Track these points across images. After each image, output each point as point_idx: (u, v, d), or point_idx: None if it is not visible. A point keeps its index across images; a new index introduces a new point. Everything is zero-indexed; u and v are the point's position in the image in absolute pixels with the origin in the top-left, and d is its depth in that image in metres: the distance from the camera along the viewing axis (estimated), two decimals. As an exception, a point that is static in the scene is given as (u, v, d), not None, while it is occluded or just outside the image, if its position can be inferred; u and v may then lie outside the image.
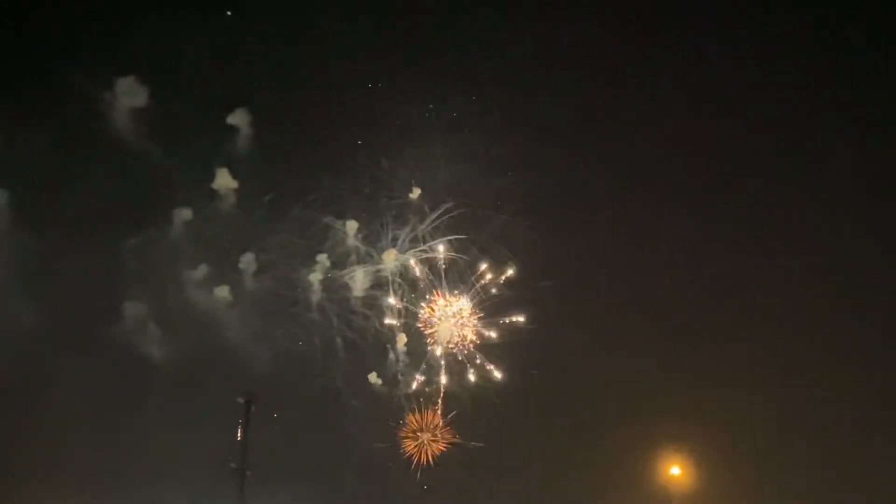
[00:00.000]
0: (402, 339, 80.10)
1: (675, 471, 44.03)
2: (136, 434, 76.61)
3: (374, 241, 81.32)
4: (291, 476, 73.60)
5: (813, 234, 77.26)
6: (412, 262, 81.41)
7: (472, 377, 79.69)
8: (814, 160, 79.54)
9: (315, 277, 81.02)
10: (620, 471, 67.50)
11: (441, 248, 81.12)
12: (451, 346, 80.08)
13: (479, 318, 79.93)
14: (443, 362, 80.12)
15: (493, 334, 79.90)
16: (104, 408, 76.77)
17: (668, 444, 53.88)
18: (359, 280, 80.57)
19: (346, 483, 77.01)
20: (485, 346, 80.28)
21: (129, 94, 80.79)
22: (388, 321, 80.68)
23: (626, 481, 66.88)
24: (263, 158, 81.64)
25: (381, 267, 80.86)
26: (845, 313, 74.30)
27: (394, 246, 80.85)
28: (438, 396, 79.67)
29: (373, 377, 79.79)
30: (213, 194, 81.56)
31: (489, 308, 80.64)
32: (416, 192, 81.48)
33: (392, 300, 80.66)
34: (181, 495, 73.80)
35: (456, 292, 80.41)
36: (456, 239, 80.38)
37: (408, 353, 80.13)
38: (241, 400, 47.62)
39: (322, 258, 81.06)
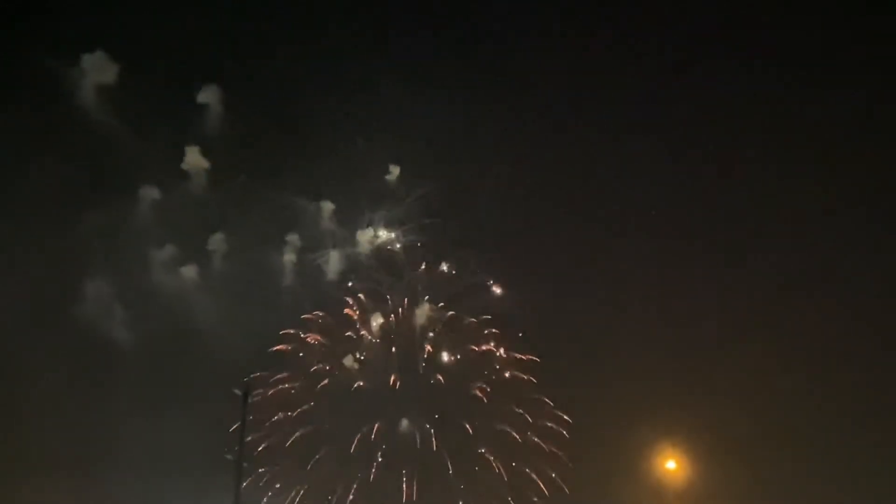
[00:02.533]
0: (377, 319, 79.16)
1: (671, 465, 44.48)
2: (104, 420, 74.28)
3: (349, 222, 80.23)
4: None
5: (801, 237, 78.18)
6: (388, 244, 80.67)
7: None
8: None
9: (288, 259, 79.58)
10: (617, 464, 67.93)
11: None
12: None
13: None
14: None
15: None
16: (68, 393, 74.14)
17: (664, 438, 54.50)
18: (333, 263, 79.43)
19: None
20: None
21: (97, 70, 78.15)
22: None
23: (622, 475, 67.29)
24: (235, 137, 79.90)
25: (356, 250, 79.81)
26: (834, 313, 75.62)
27: (370, 227, 79.85)
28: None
29: (349, 360, 78.76)
30: (183, 174, 79.50)
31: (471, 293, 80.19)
32: (393, 173, 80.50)
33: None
34: (152, 483, 71.90)
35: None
36: (434, 221, 79.70)
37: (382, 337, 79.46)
38: (237, 391, 46.53)
39: (294, 239, 79.69)
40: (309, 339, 78.11)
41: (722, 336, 76.32)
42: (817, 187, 76.26)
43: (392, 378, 77.08)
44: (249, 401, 47.59)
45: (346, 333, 78.68)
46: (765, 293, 78.09)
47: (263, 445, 73.17)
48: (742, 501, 67.67)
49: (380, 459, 75.54)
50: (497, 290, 78.99)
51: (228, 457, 50.60)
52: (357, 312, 79.25)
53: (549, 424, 77.32)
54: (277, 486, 73.66)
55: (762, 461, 69.86)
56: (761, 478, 69.14)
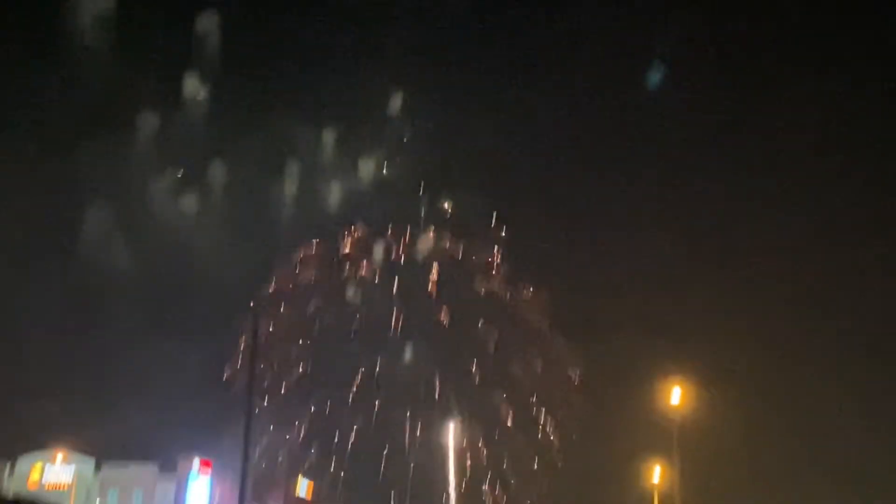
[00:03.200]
0: (378, 250, 76.74)
1: (677, 392, 42.26)
2: (104, 347, 73.59)
3: (350, 151, 77.82)
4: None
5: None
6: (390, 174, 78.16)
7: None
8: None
9: (288, 188, 77.51)
10: (625, 401, 66.36)
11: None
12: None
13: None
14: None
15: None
16: (71, 324, 73.56)
17: (671, 372, 52.47)
18: (334, 192, 77.17)
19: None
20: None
21: (95, -3, 76.64)
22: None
23: (630, 414, 65.60)
24: (235, 65, 77.89)
25: (358, 179, 77.33)
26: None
27: (372, 156, 77.30)
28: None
29: (350, 292, 76.53)
30: (182, 101, 77.82)
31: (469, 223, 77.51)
32: (397, 101, 77.57)
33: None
34: (157, 405, 70.74)
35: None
36: (437, 150, 76.82)
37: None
38: (249, 314, 44.89)
39: (294, 167, 77.59)
40: (309, 272, 76.15)
41: (729, 263, 73.15)
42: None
43: (394, 311, 74.95)
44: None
45: (347, 265, 76.59)
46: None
47: (265, 383, 71.29)
48: (745, 432, 64.78)
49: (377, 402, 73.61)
50: (501, 222, 76.07)
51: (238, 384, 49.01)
52: (358, 243, 77.08)
53: (557, 361, 74.49)
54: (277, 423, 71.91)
55: (765, 395, 67.41)
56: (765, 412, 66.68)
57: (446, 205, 76.99)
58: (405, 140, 76.58)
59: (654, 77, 73.95)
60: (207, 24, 76.75)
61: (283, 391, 72.77)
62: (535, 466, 72.83)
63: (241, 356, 65.83)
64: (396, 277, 75.38)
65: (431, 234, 75.37)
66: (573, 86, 78.04)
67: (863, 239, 72.25)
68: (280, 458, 67.96)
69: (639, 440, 60.99)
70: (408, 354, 73.57)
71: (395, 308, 74.76)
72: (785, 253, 73.56)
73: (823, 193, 73.57)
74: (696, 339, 67.62)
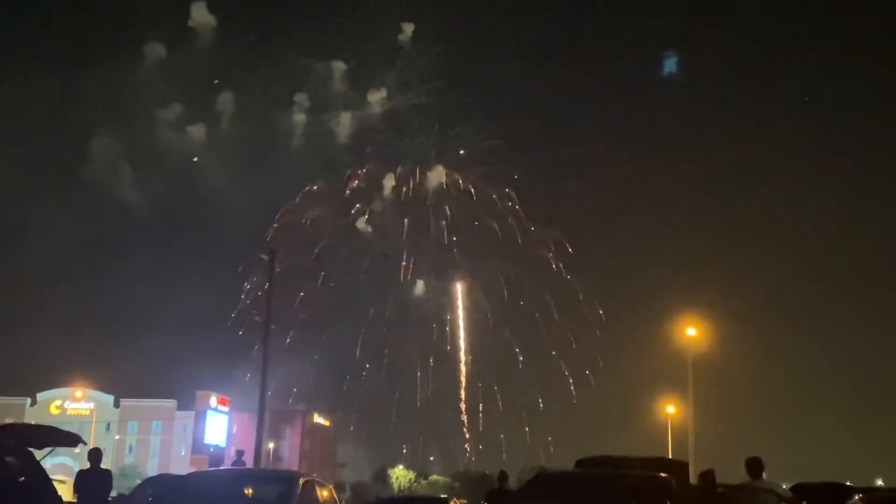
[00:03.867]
0: (390, 179, 75.48)
1: (691, 332, 41.65)
2: (116, 280, 73.39)
3: (360, 83, 76.18)
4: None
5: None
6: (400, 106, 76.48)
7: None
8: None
9: (298, 120, 76.15)
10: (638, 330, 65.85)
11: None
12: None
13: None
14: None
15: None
16: (82, 256, 73.19)
17: (686, 304, 52.02)
18: (343, 125, 75.74)
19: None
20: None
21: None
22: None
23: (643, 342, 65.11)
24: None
25: (367, 112, 75.73)
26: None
27: (382, 88, 75.61)
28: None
29: (361, 223, 75.69)
30: (190, 31, 76.18)
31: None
32: (407, 32, 75.65)
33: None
34: (171, 343, 70.74)
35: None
36: (448, 83, 74.81)
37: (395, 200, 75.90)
38: (264, 256, 44.09)
39: (303, 99, 76.08)
40: (317, 210, 75.17)
41: (746, 201, 71.78)
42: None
43: (404, 249, 74.04)
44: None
45: (357, 199, 75.52)
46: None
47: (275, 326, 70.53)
48: (756, 365, 64.51)
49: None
50: (515, 156, 74.61)
51: (257, 318, 48.81)
52: (368, 176, 75.93)
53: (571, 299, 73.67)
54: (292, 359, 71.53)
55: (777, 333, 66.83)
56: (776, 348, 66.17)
57: (458, 131, 75.28)
58: (416, 69, 74.73)
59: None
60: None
61: (296, 328, 72.02)
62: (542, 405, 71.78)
63: (244, 296, 65.30)
64: (406, 218, 74.26)
65: (442, 169, 74.02)
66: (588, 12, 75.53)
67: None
68: (295, 391, 67.92)
69: (653, 374, 60.76)
70: (419, 291, 72.97)
71: (405, 245, 73.75)
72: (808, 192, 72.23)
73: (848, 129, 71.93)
74: (712, 276, 66.95)
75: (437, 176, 74.66)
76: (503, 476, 16.01)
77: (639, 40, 75.82)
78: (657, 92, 75.58)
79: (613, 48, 76.17)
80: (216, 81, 75.12)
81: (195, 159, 74.30)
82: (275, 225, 70.69)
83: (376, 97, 75.70)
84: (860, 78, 74.58)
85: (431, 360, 73.82)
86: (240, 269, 65.68)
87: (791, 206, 73.42)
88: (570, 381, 74.14)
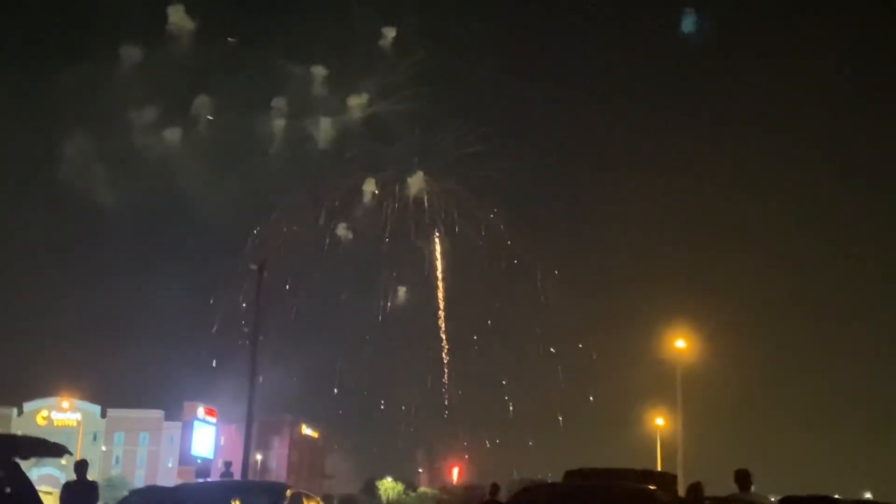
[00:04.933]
0: (370, 185, 74.62)
1: (680, 343, 41.61)
2: (91, 283, 72.79)
3: (340, 88, 75.71)
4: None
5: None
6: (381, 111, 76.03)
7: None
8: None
9: (276, 125, 75.38)
10: (628, 342, 65.60)
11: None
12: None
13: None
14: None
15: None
16: (55, 257, 72.54)
17: (675, 316, 51.98)
18: (323, 130, 75.00)
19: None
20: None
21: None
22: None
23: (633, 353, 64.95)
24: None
25: (348, 117, 75.08)
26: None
27: (362, 93, 74.96)
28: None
29: (341, 230, 74.92)
30: (168, 34, 75.75)
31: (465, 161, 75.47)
32: (388, 37, 74.96)
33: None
34: (157, 352, 70.37)
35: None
36: (429, 89, 74.35)
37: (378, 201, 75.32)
38: (253, 266, 43.57)
39: (281, 104, 75.43)
40: (299, 218, 74.68)
41: (731, 204, 72.03)
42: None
43: (385, 249, 73.49)
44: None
45: (337, 203, 75.03)
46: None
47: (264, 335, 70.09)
48: (746, 378, 64.66)
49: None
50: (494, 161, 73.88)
51: (245, 329, 48.09)
52: (348, 183, 75.46)
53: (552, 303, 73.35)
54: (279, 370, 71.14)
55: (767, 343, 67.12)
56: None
57: (439, 136, 74.77)
58: (397, 74, 74.46)
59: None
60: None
61: (284, 338, 71.48)
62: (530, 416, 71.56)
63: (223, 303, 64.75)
64: (388, 224, 73.89)
65: (423, 175, 73.63)
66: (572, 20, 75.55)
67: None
68: (283, 402, 67.54)
69: (643, 386, 60.77)
70: (401, 299, 72.68)
71: (386, 253, 73.44)
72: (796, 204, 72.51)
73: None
74: (701, 288, 67.06)
75: (419, 182, 74.19)
76: (495, 488, 15.99)
77: (625, 51, 75.57)
78: (646, 100, 75.12)
79: (600, 54, 75.67)
80: (194, 85, 74.48)
81: (173, 163, 73.69)
82: (255, 241, 70.37)
83: (357, 102, 74.92)
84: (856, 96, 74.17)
85: (419, 370, 73.23)
86: (221, 279, 65.02)
87: (781, 218, 73.09)
88: (559, 395, 73.67)
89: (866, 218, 72.03)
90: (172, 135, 72.17)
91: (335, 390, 68.06)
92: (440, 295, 72.19)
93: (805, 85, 72.31)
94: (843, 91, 72.87)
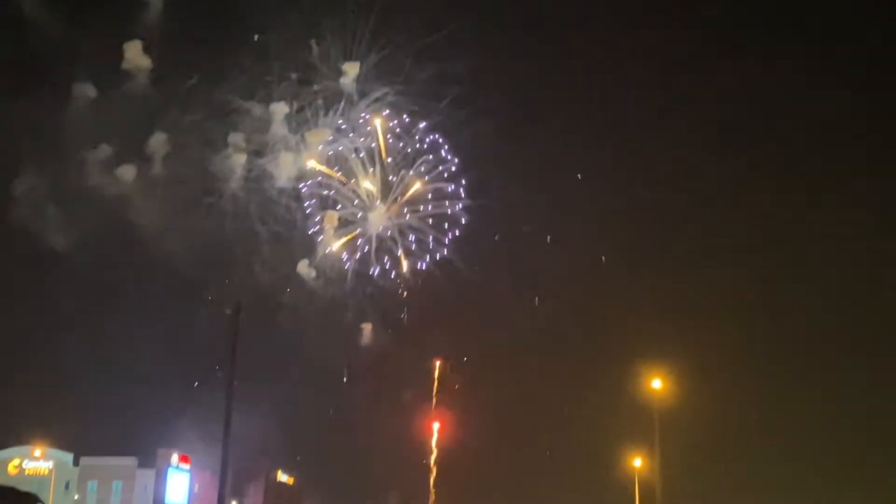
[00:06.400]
0: (331, 218, 74.62)
1: (657, 384, 42.04)
2: (41, 326, 71.62)
3: (299, 125, 76.03)
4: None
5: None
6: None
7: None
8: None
9: (235, 162, 75.40)
10: (605, 383, 65.36)
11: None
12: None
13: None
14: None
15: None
16: (20, 305, 71.40)
17: (651, 357, 52.07)
18: (283, 166, 75.24)
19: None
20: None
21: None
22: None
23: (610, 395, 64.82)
24: (179, 36, 75.37)
25: (308, 154, 75.46)
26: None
27: (322, 129, 75.17)
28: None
29: (303, 267, 75.04)
30: (123, 72, 75.70)
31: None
32: (349, 74, 75.32)
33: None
34: (130, 397, 69.33)
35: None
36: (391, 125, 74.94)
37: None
38: (228, 311, 43.43)
39: (239, 140, 75.63)
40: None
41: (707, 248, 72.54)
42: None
43: (349, 287, 73.67)
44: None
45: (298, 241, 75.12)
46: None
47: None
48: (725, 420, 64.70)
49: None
50: (460, 200, 74.33)
51: (220, 375, 47.86)
52: (309, 218, 75.72)
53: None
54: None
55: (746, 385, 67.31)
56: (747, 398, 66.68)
57: (402, 172, 75.21)
58: (358, 111, 75.03)
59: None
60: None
61: (256, 382, 70.99)
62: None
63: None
64: (350, 261, 74.22)
65: (385, 212, 74.05)
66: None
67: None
68: (258, 448, 67.06)
69: (620, 427, 60.79)
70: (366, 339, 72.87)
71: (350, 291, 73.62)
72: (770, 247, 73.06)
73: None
74: (678, 329, 66.91)
75: (380, 218, 74.54)
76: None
77: (607, 89, 76.23)
78: (630, 136, 75.51)
79: (579, 91, 76.49)
80: (150, 123, 74.31)
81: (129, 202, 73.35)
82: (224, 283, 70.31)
83: (315, 137, 75.59)
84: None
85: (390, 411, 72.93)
86: (189, 321, 64.73)
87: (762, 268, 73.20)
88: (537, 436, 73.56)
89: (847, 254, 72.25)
90: (127, 173, 71.74)
91: (310, 431, 68.07)
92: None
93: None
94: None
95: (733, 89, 73.56)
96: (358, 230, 72.37)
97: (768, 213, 72.98)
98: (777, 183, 73.73)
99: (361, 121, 72.39)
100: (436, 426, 73.82)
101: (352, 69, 71.37)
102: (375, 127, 72.35)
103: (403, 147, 72.61)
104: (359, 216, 72.63)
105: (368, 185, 72.73)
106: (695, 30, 75.81)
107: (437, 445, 73.22)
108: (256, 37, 70.72)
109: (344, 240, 72.75)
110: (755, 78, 72.73)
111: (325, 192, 72.21)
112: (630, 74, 75.47)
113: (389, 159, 72.47)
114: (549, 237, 74.55)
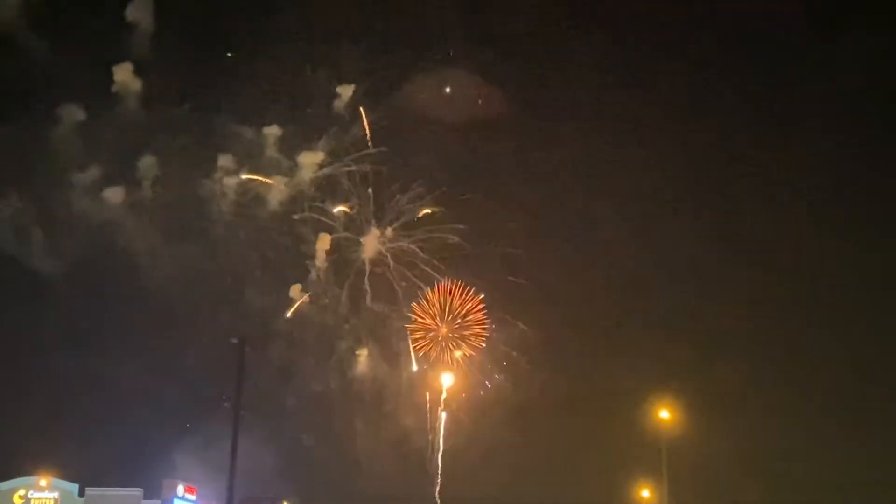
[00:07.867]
0: (324, 241, 75.23)
1: (664, 414, 44.97)
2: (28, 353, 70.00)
3: (291, 148, 76.23)
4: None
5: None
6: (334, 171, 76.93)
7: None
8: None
9: (226, 186, 75.24)
10: (613, 416, 65.72)
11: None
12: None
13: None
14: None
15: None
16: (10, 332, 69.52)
17: (659, 388, 54.06)
18: (275, 190, 75.46)
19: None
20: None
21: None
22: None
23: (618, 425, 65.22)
24: (170, 58, 74.54)
25: (300, 177, 75.68)
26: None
27: (315, 152, 75.57)
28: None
29: (294, 292, 75.35)
30: (112, 94, 74.38)
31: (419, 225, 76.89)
32: (343, 96, 75.78)
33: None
34: (135, 426, 68.16)
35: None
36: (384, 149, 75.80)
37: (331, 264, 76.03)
38: (234, 340, 44.08)
39: (230, 163, 75.36)
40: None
41: (717, 276, 74.85)
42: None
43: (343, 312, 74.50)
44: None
45: (290, 265, 75.51)
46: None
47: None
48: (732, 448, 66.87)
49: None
50: (453, 225, 75.87)
51: (226, 405, 48.72)
52: (301, 243, 76.15)
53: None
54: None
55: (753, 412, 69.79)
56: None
57: (396, 198, 76.35)
58: (351, 134, 75.78)
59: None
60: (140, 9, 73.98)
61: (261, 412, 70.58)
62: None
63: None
64: (342, 286, 74.90)
65: (379, 236, 75.11)
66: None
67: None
68: (264, 477, 67.22)
69: (627, 457, 62.41)
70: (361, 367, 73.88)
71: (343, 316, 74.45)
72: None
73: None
74: (687, 359, 67.99)
75: (373, 243, 75.52)
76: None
77: (588, 112, 78.19)
78: (620, 156, 77.59)
79: (564, 113, 78.49)
80: (139, 146, 73.67)
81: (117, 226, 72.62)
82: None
83: (309, 162, 76.15)
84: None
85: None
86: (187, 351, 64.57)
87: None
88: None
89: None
90: (113, 195, 71.01)
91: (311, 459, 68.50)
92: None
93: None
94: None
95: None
96: (352, 254, 73.42)
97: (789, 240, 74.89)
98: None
99: (355, 144, 73.40)
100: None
101: (345, 91, 72.25)
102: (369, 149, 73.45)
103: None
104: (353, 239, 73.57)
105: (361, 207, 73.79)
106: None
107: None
108: (248, 59, 71.07)
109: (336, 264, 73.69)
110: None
111: (318, 217, 72.97)
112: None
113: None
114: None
